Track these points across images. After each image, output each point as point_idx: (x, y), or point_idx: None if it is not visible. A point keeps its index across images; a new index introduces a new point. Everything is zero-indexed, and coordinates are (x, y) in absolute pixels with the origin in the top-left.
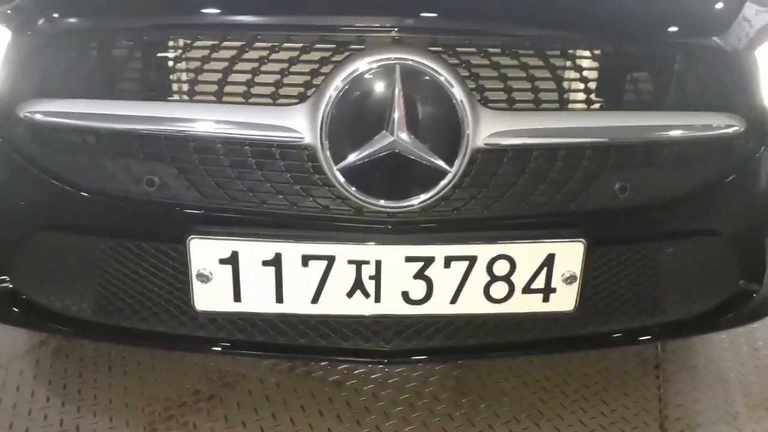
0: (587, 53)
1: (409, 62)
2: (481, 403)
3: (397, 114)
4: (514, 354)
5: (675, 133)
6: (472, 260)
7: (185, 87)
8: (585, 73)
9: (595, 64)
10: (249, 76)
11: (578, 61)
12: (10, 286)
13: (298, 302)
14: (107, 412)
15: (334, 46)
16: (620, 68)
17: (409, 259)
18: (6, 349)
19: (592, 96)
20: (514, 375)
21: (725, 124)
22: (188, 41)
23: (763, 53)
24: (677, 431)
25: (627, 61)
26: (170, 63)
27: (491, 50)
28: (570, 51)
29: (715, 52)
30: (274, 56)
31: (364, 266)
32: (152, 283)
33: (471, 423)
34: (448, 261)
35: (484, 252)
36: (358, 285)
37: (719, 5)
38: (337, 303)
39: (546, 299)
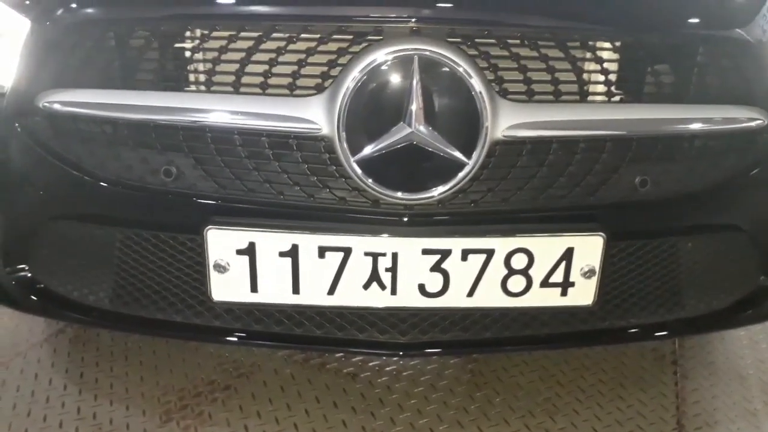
0: (608, 45)
1: (428, 53)
2: (496, 396)
3: (415, 105)
4: (530, 348)
5: (696, 126)
6: (489, 253)
7: (203, 77)
8: (605, 64)
9: (615, 56)
10: (266, 66)
11: (598, 53)
12: (29, 274)
13: (314, 293)
14: (123, 401)
15: (352, 36)
16: (642, 60)
17: (426, 252)
18: (24, 338)
19: (613, 88)
20: (529, 369)
21: (748, 117)
22: (205, 32)
23: None
24: (694, 428)
25: (649, 52)
26: (188, 53)
27: (510, 41)
28: (590, 42)
29: (739, 44)
30: (291, 47)
31: (380, 258)
32: (169, 273)
33: (486, 416)
34: (465, 254)
35: (501, 245)
36: (374, 277)
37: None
38: (353, 295)
39: (564, 293)
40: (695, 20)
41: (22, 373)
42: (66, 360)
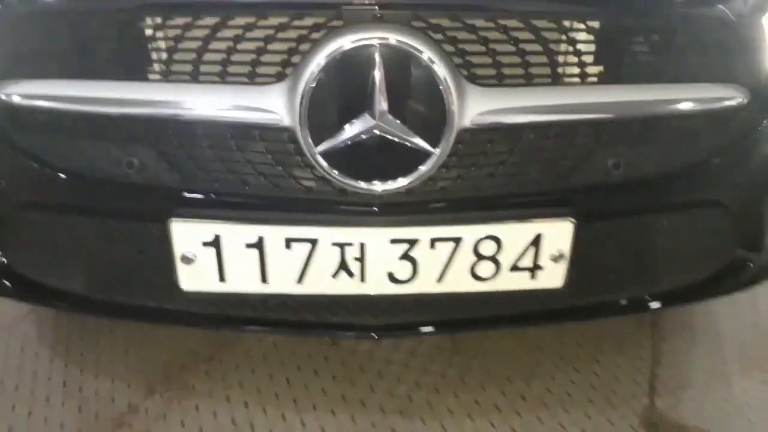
0: (581, 25)
1: (389, 41)
2: (475, 362)
3: (378, 95)
4: (503, 327)
5: (675, 106)
6: (457, 241)
7: (161, 67)
8: (579, 46)
9: (589, 37)
10: (225, 55)
11: (571, 34)
12: (4, 260)
13: (283, 282)
14: (108, 374)
15: (311, 24)
16: (617, 40)
17: (394, 241)
18: (9, 311)
19: (587, 69)
20: (510, 335)
21: (728, 96)
22: (163, 21)
23: (761, 29)
24: (668, 391)
25: (624, 32)
26: (146, 43)
27: (477, 24)
28: (561, 24)
29: (719, 21)
30: (249, 34)
31: (348, 248)
32: (138, 263)
33: (463, 382)
34: (433, 242)
35: (470, 233)
36: (342, 266)
37: None
38: (322, 283)
39: (533, 277)
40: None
41: (8, 347)
42: (51, 333)
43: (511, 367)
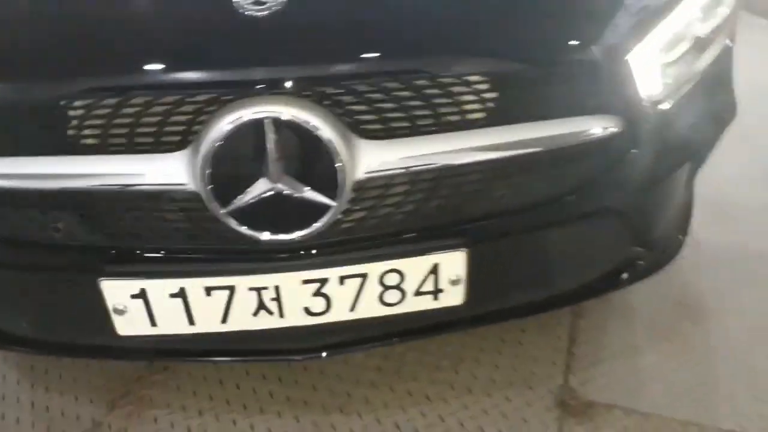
0: (459, 79)
1: (279, 113)
2: (409, 353)
3: (273, 161)
4: (417, 338)
5: (555, 139)
6: (364, 276)
7: (76, 143)
8: (460, 96)
9: (469, 88)
10: (130, 129)
11: (452, 88)
12: None
13: (209, 323)
14: (72, 391)
15: (207, 99)
16: (495, 87)
17: (305, 282)
18: None
19: (471, 116)
20: None
21: (603, 127)
22: (74, 102)
23: (633, 58)
24: (581, 368)
25: (501, 80)
26: (62, 122)
27: (361, 89)
28: (441, 79)
29: (589, 63)
30: (154, 109)
31: (263, 291)
32: (79, 312)
33: (398, 374)
34: (342, 279)
35: (374, 269)
36: (261, 306)
37: (590, 17)
38: (244, 321)
39: (436, 298)
40: (545, 47)
41: None
42: (16, 354)
43: (441, 356)
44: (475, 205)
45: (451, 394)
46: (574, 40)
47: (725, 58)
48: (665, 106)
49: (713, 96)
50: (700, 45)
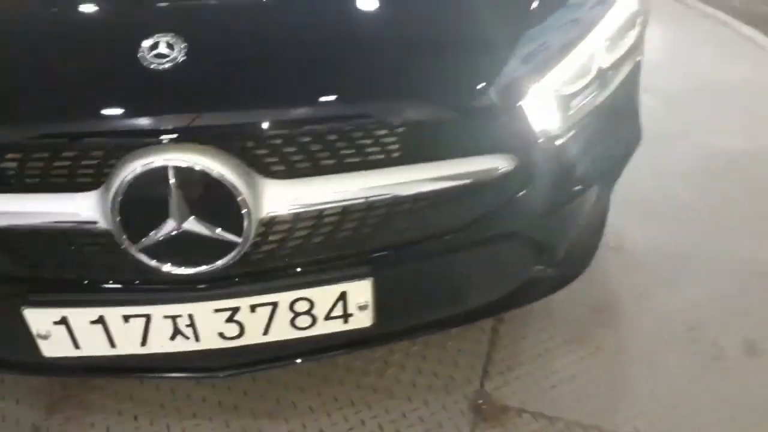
0: (355, 125)
1: (179, 161)
2: (340, 357)
3: (178, 204)
4: (332, 355)
5: (449, 180)
6: (274, 305)
7: None
8: (360, 141)
9: (367, 133)
10: (46, 170)
11: (350, 134)
12: None
13: (129, 347)
14: (14, 394)
15: (111, 148)
16: (393, 131)
17: (217, 311)
18: None
19: (371, 158)
20: None
21: (497, 166)
22: None
23: (531, 98)
24: (497, 372)
25: (399, 124)
26: None
27: (259, 134)
28: (337, 125)
29: (485, 108)
30: (65, 155)
31: (178, 319)
32: (6, 335)
33: (326, 380)
34: (253, 308)
35: (283, 298)
36: (177, 332)
37: (485, 62)
38: (162, 345)
39: (346, 322)
40: (441, 93)
41: None
42: None
43: (369, 361)
44: (379, 238)
45: (374, 399)
46: (469, 85)
47: (630, 85)
48: (565, 139)
49: (617, 123)
50: (604, 76)
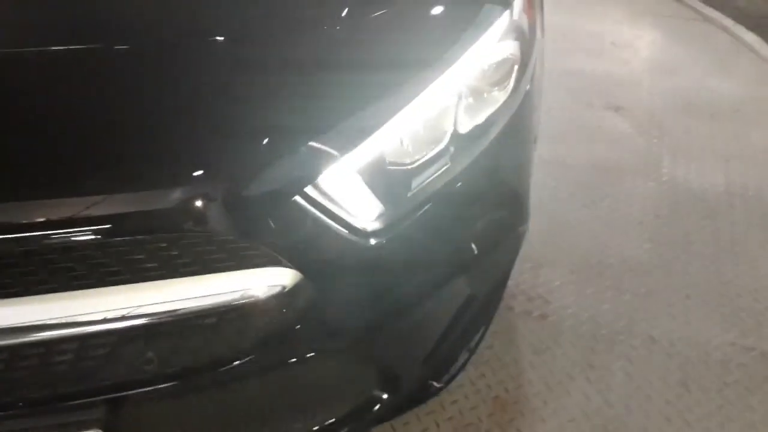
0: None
1: None
2: None
3: None
4: None
5: (215, 299)
6: None
7: None
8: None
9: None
10: None
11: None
12: None
13: None
14: None
15: None
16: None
17: None
18: None
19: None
20: None
21: (277, 283)
22: None
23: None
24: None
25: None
26: None
27: None
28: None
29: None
30: None
31: None
32: None
33: None
34: None
35: None
36: None
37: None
38: None
39: None
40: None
41: None
42: None
43: None
44: (114, 374)
45: None
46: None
47: (510, 148)
48: (399, 230)
49: (488, 206)
50: (461, 141)
